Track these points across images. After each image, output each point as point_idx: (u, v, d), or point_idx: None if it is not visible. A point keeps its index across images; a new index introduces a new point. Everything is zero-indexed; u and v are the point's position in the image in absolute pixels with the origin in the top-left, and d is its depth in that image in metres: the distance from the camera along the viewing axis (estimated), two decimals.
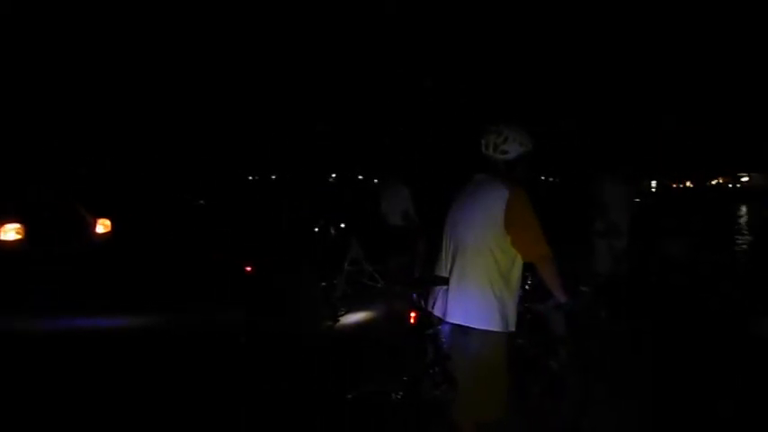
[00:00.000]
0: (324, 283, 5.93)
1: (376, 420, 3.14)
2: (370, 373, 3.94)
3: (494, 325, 2.66)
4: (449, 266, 2.82)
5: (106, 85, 22.94)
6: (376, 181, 7.45)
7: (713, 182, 77.09)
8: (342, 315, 6.08)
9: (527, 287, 3.21)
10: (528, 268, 2.91)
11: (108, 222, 8.75)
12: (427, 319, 2.91)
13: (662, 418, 3.70)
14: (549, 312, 3.26)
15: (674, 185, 72.83)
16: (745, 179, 69.42)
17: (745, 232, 16.86)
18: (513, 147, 2.78)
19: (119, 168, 23.27)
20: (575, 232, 6.49)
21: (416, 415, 2.94)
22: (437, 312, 2.84)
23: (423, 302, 2.93)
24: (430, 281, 2.92)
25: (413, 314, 2.93)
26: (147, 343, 5.21)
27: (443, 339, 2.90)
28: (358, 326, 5.93)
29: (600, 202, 5.99)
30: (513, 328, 2.75)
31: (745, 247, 13.10)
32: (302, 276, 6.00)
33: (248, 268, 5.29)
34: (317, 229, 6.77)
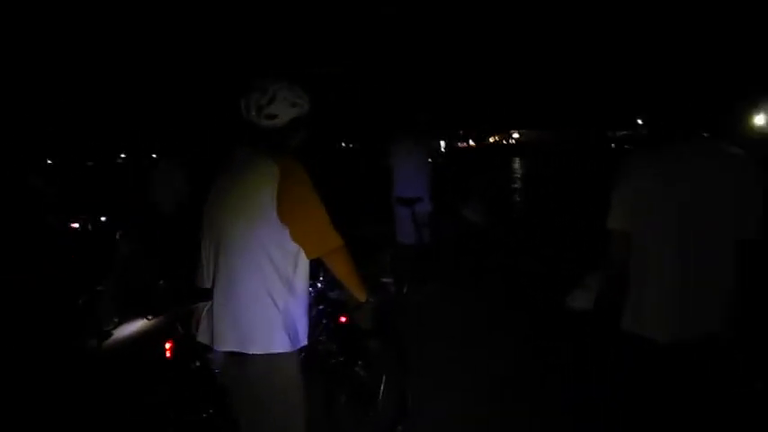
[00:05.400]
0: (83, 297, 4.74)
1: None
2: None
3: (278, 345, 2.01)
4: (211, 274, 2.09)
5: None
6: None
7: (491, 140, 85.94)
8: (114, 328, 4.99)
9: (320, 283, 2.62)
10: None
11: None
12: (190, 347, 2.15)
13: (483, 406, 3.43)
14: (353, 310, 2.73)
15: (460, 145, 79.56)
16: (516, 135, 78.78)
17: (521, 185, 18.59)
18: (282, 108, 2.10)
19: None
20: (378, 201, 6.13)
21: None
22: (202, 338, 2.11)
23: (180, 326, 2.16)
24: (185, 297, 2.15)
25: (168, 345, 2.15)
26: None
27: (216, 371, 2.19)
28: (137, 337, 4.89)
29: (389, 164, 5.65)
30: (304, 342, 2.13)
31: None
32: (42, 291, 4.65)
33: None
34: (76, 225, 5.46)
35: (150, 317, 2.13)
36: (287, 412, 2.09)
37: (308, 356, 2.46)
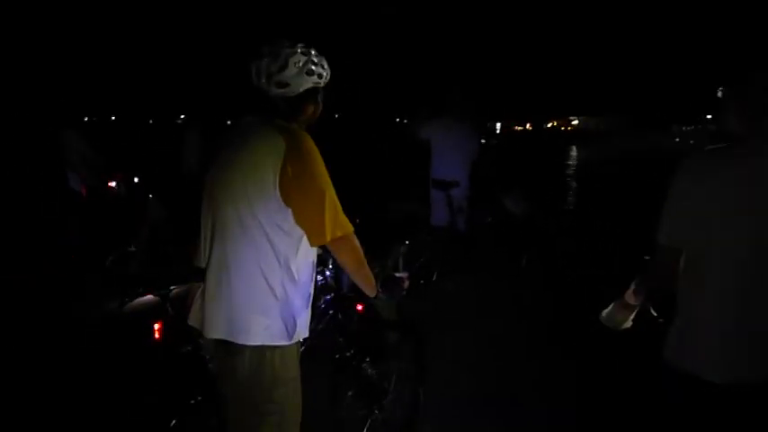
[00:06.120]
0: (112, 256, 4.73)
1: None
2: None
3: (273, 337, 1.83)
4: (207, 254, 1.92)
5: None
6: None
7: (548, 125, 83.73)
8: (137, 292, 4.95)
9: (329, 270, 2.42)
10: None
11: None
12: (182, 330, 2.00)
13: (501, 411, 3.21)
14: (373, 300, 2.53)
15: (516, 128, 77.83)
16: (575, 122, 76.50)
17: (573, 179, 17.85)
18: (295, 77, 1.87)
19: None
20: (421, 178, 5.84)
21: None
22: (193, 322, 1.95)
23: (170, 307, 2.00)
24: (174, 276, 1.99)
25: (157, 325, 2.00)
26: None
27: (206, 357, 2.03)
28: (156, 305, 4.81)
29: (422, 144, 5.33)
30: (304, 335, 1.94)
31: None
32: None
33: None
34: (113, 184, 5.45)
35: (142, 290, 1.98)
36: (278, 410, 1.91)
37: (312, 349, 2.29)
